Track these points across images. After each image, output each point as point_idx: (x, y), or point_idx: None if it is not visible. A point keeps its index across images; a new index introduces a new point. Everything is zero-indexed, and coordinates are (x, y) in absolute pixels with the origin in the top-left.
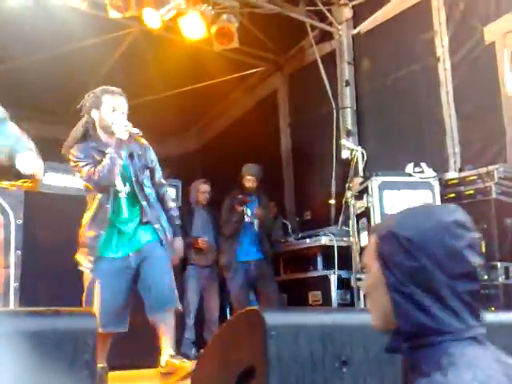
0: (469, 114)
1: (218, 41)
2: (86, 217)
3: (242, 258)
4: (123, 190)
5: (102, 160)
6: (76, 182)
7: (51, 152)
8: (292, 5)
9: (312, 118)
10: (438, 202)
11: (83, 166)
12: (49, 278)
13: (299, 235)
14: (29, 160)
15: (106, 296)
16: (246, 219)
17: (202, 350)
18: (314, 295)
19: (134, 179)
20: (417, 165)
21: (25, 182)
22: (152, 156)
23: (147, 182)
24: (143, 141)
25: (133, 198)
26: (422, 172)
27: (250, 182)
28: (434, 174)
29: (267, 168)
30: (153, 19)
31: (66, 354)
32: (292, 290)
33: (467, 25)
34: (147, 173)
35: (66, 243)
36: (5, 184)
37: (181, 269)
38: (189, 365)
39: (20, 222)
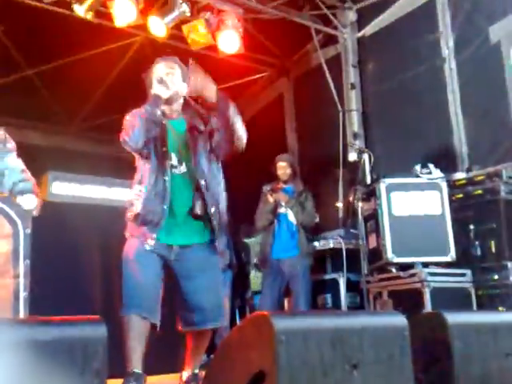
0: (476, 114)
1: (223, 47)
2: (141, 194)
3: (277, 254)
4: (179, 166)
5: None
6: (84, 190)
7: (58, 161)
8: (296, 9)
9: (318, 121)
10: (447, 202)
11: (125, 124)
12: (58, 286)
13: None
14: (31, 202)
15: (150, 281)
16: (280, 210)
17: (212, 356)
18: (323, 298)
19: (192, 156)
20: (424, 166)
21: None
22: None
23: (206, 163)
24: (207, 113)
25: (189, 179)
26: (430, 173)
27: (281, 168)
28: (442, 174)
29: (273, 173)
30: (158, 27)
31: (77, 363)
32: None
33: (472, 25)
34: (207, 154)
35: (74, 252)
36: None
37: None
38: None
39: (28, 231)
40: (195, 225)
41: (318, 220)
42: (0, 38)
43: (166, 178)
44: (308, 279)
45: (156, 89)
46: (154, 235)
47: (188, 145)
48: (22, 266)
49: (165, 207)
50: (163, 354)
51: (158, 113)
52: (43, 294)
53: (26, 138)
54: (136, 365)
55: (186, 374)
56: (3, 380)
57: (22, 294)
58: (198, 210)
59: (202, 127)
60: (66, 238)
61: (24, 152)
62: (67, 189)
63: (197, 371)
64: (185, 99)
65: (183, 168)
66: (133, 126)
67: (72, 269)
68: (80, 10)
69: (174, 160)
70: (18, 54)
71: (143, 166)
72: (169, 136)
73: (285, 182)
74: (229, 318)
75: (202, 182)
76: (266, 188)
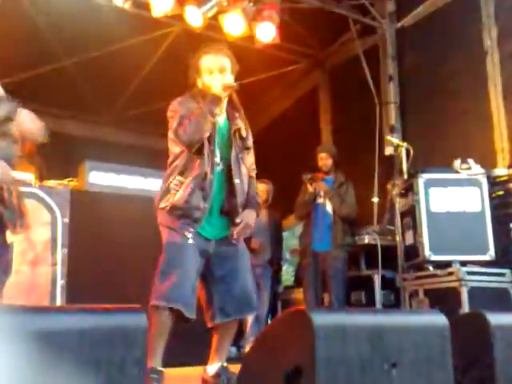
0: None
1: (259, 37)
2: (175, 186)
3: (316, 246)
4: (220, 162)
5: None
6: (120, 180)
7: (96, 151)
8: None
9: (354, 113)
10: (487, 199)
11: (176, 117)
12: (95, 275)
13: None
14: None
15: (191, 275)
16: (319, 200)
17: (240, 347)
18: (357, 295)
19: (233, 153)
20: (464, 161)
21: (71, 181)
22: (250, 138)
23: (240, 162)
24: (246, 121)
25: (226, 176)
26: (470, 168)
27: (322, 159)
28: (482, 170)
29: (308, 164)
30: (195, 17)
31: (118, 352)
32: None
33: None
34: (244, 154)
35: (111, 241)
36: (51, 183)
37: None
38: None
39: (66, 220)
40: (226, 219)
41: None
42: (39, 29)
43: (212, 177)
44: (342, 274)
45: (217, 89)
46: (194, 230)
47: (228, 143)
48: (60, 254)
49: (207, 205)
50: (186, 347)
51: (216, 112)
52: (80, 283)
53: (64, 128)
54: (159, 361)
55: (213, 368)
56: (41, 369)
57: (60, 282)
58: (230, 207)
59: (240, 125)
60: (102, 226)
61: (62, 142)
62: (104, 178)
63: (225, 364)
64: (230, 96)
65: (222, 165)
66: (194, 124)
67: (108, 257)
68: (118, 0)
69: (218, 158)
70: (56, 44)
71: (187, 157)
72: (217, 133)
73: (326, 174)
74: (267, 311)
75: (237, 181)
76: (306, 176)
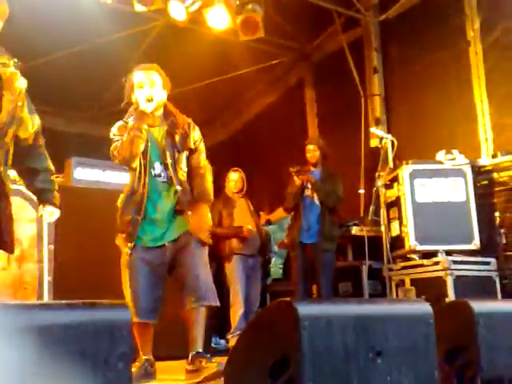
0: (501, 99)
1: (244, 31)
2: (121, 199)
3: (303, 238)
4: (161, 172)
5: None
6: (106, 176)
7: (79, 147)
8: None
9: (340, 106)
10: (471, 189)
11: (114, 140)
12: (81, 271)
13: None
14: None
15: (142, 286)
16: (306, 192)
17: (233, 341)
18: (345, 286)
19: (169, 161)
20: (448, 152)
21: (56, 177)
22: (196, 136)
23: (184, 166)
24: (187, 119)
25: (170, 182)
26: (454, 159)
27: (310, 151)
28: (467, 160)
29: (294, 158)
30: (178, 11)
31: (103, 347)
32: None
33: (499, 7)
34: (185, 155)
35: (97, 237)
36: None
37: (225, 259)
38: (214, 365)
39: None
40: (178, 218)
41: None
42: (22, 25)
43: (145, 189)
44: (331, 266)
45: (142, 105)
46: (131, 244)
47: (167, 152)
48: (46, 250)
49: (139, 217)
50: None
51: (145, 127)
52: (66, 279)
53: (49, 124)
54: (148, 352)
55: (191, 356)
56: (28, 364)
57: (47, 278)
58: (181, 207)
59: (181, 131)
60: (88, 222)
61: (47, 138)
62: (90, 174)
63: (200, 350)
64: (165, 106)
65: (168, 173)
66: (125, 148)
67: (95, 253)
68: None
69: (158, 169)
70: (40, 40)
71: (130, 173)
72: (151, 145)
73: (314, 165)
74: (259, 303)
75: (178, 188)
76: (293, 169)
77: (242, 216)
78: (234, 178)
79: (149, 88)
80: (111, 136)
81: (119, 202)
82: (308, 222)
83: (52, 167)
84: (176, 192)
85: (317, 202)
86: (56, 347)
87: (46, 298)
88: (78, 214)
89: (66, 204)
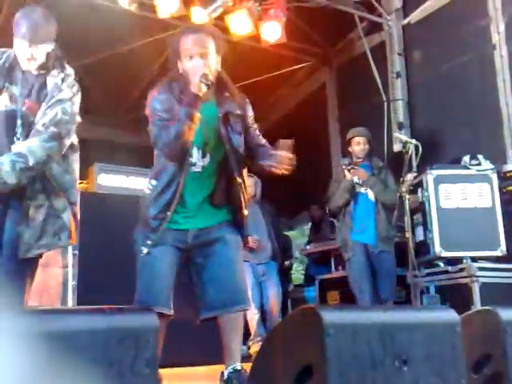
0: None
1: (266, 37)
2: (152, 191)
3: (358, 238)
4: (201, 161)
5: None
6: (129, 181)
7: (103, 153)
8: None
9: (362, 111)
10: (497, 195)
11: (155, 123)
12: (106, 276)
13: None
14: None
15: (158, 270)
16: (359, 188)
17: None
18: None
19: (227, 147)
20: (473, 157)
21: (80, 183)
22: (251, 113)
23: (239, 150)
24: (241, 96)
25: (212, 173)
26: (479, 164)
27: (360, 144)
28: (492, 166)
29: (317, 164)
30: (201, 18)
31: (129, 352)
32: (344, 288)
33: None
34: (242, 139)
35: (121, 242)
36: None
37: None
38: None
39: None
40: (212, 209)
41: None
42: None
43: (181, 181)
44: (391, 268)
45: (195, 86)
46: (151, 242)
47: (218, 133)
48: (71, 255)
49: (169, 213)
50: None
51: (199, 116)
52: (90, 284)
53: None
54: None
55: (225, 372)
56: (54, 370)
57: (71, 284)
58: (218, 201)
59: (238, 111)
60: (112, 228)
61: None
62: (113, 180)
63: (239, 366)
64: (218, 76)
65: (206, 160)
66: (174, 143)
67: (119, 259)
68: (124, 2)
69: (195, 156)
70: (63, 46)
71: (162, 160)
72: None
73: (362, 160)
74: (278, 308)
75: (239, 180)
76: (344, 162)
77: (253, 223)
78: (249, 184)
79: (200, 59)
80: (151, 111)
81: (149, 193)
82: (361, 221)
83: None
84: (232, 181)
85: (372, 198)
86: (82, 353)
87: (71, 303)
88: (102, 220)
89: (90, 209)
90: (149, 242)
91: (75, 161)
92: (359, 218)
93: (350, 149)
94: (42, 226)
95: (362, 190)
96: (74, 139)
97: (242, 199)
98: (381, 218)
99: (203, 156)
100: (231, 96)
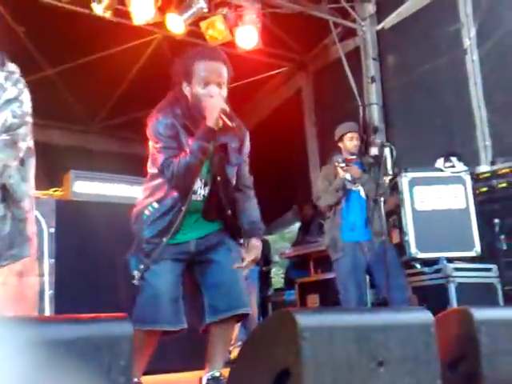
0: (499, 106)
1: (241, 43)
2: (152, 213)
3: (349, 237)
4: (197, 189)
5: (183, 148)
6: (106, 189)
7: (80, 160)
8: (314, 3)
9: (338, 115)
10: (471, 196)
11: (162, 149)
12: (83, 285)
13: None
14: None
15: (159, 286)
16: (348, 186)
17: (235, 352)
18: None
19: (218, 179)
20: (447, 159)
21: (56, 191)
22: (248, 145)
23: (231, 179)
24: (243, 128)
25: (206, 202)
26: (453, 166)
27: (353, 139)
28: (466, 168)
29: (293, 167)
30: (176, 24)
31: (104, 361)
32: (323, 291)
33: (495, 15)
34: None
35: (98, 250)
36: (36, 193)
37: None
38: None
39: (52, 230)
40: (207, 221)
41: None
42: (21, 39)
43: (182, 209)
44: (393, 255)
45: (212, 120)
46: (142, 266)
47: (213, 165)
48: (47, 264)
49: (164, 239)
50: (183, 351)
51: (211, 148)
52: (67, 293)
53: (48, 137)
54: (139, 374)
55: (205, 378)
56: (29, 379)
57: (48, 293)
58: (210, 217)
59: (235, 144)
60: (89, 236)
61: (46, 152)
62: (89, 187)
63: (218, 373)
64: None
65: (207, 189)
66: (184, 169)
67: (96, 266)
68: (98, 9)
69: (197, 185)
70: (39, 54)
71: (164, 183)
72: None
73: (352, 155)
74: (258, 313)
75: (229, 212)
76: (338, 160)
77: None
78: None
79: (216, 87)
80: (155, 133)
81: (144, 214)
82: (353, 219)
83: None
84: (224, 214)
85: (363, 195)
86: (57, 362)
87: (47, 311)
88: (79, 228)
89: (66, 217)
90: (141, 267)
91: (32, 166)
92: (351, 216)
93: (341, 145)
94: (11, 237)
95: (354, 187)
96: (29, 142)
97: (232, 215)
98: (374, 214)
99: (205, 185)
100: (233, 127)
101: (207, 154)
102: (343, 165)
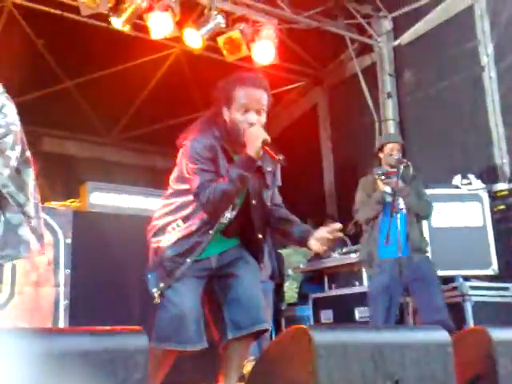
0: None
1: (258, 58)
2: (176, 232)
3: (387, 253)
4: (229, 213)
5: (220, 171)
6: (122, 200)
7: (97, 172)
8: (331, 19)
9: (353, 131)
10: (488, 214)
11: (198, 171)
12: (98, 295)
13: (343, 250)
14: None
15: (183, 306)
16: (388, 199)
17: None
18: (361, 311)
19: (253, 202)
20: (464, 176)
21: (73, 202)
22: (279, 173)
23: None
24: (279, 155)
25: (233, 222)
26: (470, 184)
27: (394, 150)
28: (483, 185)
29: (309, 182)
30: (194, 39)
31: (118, 373)
32: (337, 306)
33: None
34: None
35: (113, 261)
36: (53, 204)
37: None
38: None
39: (69, 241)
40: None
41: None
42: (40, 51)
43: (210, 233)
44: (431, 273)
45: (254, 150)
46: (162, 284)
47: (249, 189)
48: (63, 274)
49: (188, 260)
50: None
51: (249, 177)
52: (82, 303)
53: (66, 149)
54: None
55: None
56: None
57: (63, 303)
58: (232, 234)
59: (269, 168)
60: (105, 247)
61: (64, 163)
62: (106, 199)
63: None
64: None
65: (234, 212)
66: (221, 195)
67: (111, 277)
68: (117, 23)
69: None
70: (58, 66)
71: (192, 202)
72: None
73: (393, 167)
74: (270, 328)
75: (260, 236)
76: (377, 172)
77: None
78: None
79: (255, 115)
80: (192, 155)
81: (167, 231)
82: (392, 233)
83: None
84: (256, 239)
85: (404, 209)
86: (72, 374)
87: (62, 322)
88: (95, 239)
89: (83, 228)
90: (162, 285)
91: (30, 175)
92: (390, 230)
93: (381, 155)
94: (3, 240)
95: (392, 199)
96: (26, 152)
97: (262, 239)
98: (414, 228)
99: (232, 209)
100: (279, 159)
101: (246, 182)
102: (383, 177)
